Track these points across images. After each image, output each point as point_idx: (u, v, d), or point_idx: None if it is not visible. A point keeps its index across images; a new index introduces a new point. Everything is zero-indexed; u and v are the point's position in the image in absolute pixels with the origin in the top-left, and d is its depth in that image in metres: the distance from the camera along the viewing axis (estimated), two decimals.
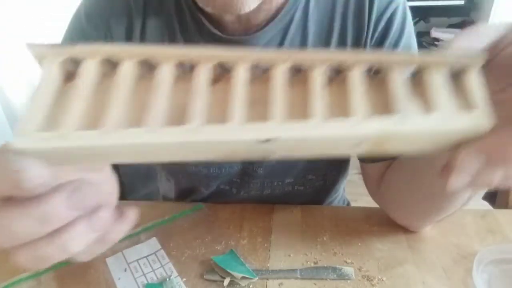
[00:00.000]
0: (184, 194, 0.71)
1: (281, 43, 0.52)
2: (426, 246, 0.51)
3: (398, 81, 0.24)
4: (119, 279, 0.48)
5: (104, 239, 0.26)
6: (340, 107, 0.24)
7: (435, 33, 2.10)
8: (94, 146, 0.22)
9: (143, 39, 0.53)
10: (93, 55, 0.24)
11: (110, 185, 0.37)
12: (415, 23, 2.14)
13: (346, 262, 0.49)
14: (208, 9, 0.44)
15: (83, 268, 0.49)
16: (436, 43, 1.93)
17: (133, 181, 1.09)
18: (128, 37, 0.53)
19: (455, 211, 0.47)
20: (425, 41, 2.01)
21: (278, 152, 0.24)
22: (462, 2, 2.05)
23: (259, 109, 0.24)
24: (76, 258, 0.27)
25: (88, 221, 0.24)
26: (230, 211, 0.59)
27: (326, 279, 0.47)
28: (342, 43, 0.52)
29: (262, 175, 0.61)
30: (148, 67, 0.25)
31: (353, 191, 0.98)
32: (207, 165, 0.60)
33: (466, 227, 0.55)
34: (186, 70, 0.25)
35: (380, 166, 0.55)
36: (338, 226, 0.55)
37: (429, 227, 0.53)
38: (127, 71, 0.24)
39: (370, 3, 0.51)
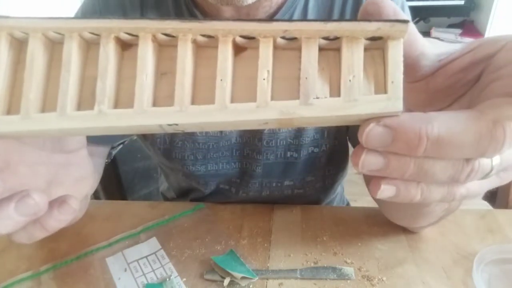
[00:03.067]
0: (184, 193, 0.71)
1: None
2: (426, 246, 0.51)
3: (311, 54, 0.23)
4: (119, 279, 0.48)
5: (43, 225, 0.26)
6: (248, 79, 0.24)
7: (435, 33, 2.10)
8: (11, 132, 0.24)
9: None
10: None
11: (81, 169, 0.36)
12: (415, 23, 2.14)
13: (346, 262, 0.49)
14: (212, 0, 0.44)
15: (83, 268, 0.49)
16: None
17: (133, 181, 1.09)
18: None
19: (441, 218, 0.47)
20: None
21: (188, 130, 0.25)
22: (462, 2, 2.05)
23: (168, 80, 0.25)
24: (14, 239, 0.27)
25: (16, 204, 0.24)
26: (230, 211, 0.59)
27: (326, 279, 0.47)
28: None
29: (260, 175, 0.61)
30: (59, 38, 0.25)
31: (353, 191, 0.99)
32: (204, 162, 0.60)
33: (466, 227, 0.55)
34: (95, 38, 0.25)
35: None
36: (338, 226, 0.55)
37: (428, 228, 0.53)
38: (35, 47, 0.24)
39: None
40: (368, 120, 0.21)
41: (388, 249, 0.51)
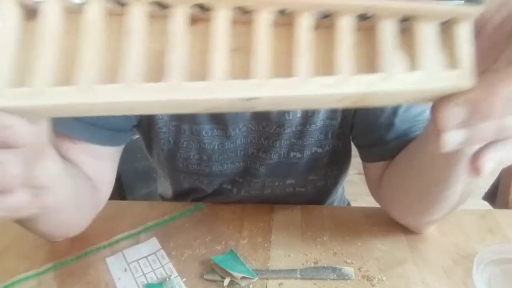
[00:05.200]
0: (184, 194, 0.71)
1: None
2: (426, 246, 0.51)
3: (387, 31, 0.23)
4: (119, 279, 0.48)
5: None
6: (325, 57, 0.23)
7: None
8: (72, 104, 0.22)
9: None
10: None
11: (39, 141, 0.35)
12: None
13: (346, 262, 0.49)
14: None
15: (83, 268, 0.49)
16: None
17: (133, 181, 1.09)
18: None
19: (453, 207, 0.47)
20: None
21: (261, 107, 0.24)
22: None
23: (241, 57, 0.23)
24: None
25: None
26: (230, 211, 0.59)
27: (326, 279, 0.47)
28: None
29: (263, 174, 0.61)
30: (117, 3, 0.23)
31: (353, 191, 0.98)
32: (209, 165, 0.60)
33: (466, 227, 0.55)
34: (161, 8, 0.23)
35: (381, 165, 0.55)
36: (338, 226, 0.55)
37: (431, 228, 0.53)
38: (95, 11, 0.22)
39: None
40: (442, 101, 0.23)
41: (388, 249, 0.51)
